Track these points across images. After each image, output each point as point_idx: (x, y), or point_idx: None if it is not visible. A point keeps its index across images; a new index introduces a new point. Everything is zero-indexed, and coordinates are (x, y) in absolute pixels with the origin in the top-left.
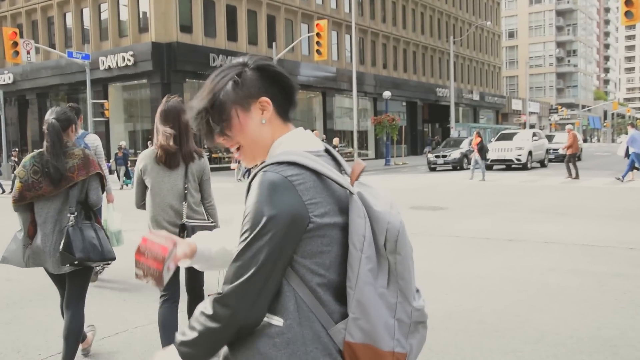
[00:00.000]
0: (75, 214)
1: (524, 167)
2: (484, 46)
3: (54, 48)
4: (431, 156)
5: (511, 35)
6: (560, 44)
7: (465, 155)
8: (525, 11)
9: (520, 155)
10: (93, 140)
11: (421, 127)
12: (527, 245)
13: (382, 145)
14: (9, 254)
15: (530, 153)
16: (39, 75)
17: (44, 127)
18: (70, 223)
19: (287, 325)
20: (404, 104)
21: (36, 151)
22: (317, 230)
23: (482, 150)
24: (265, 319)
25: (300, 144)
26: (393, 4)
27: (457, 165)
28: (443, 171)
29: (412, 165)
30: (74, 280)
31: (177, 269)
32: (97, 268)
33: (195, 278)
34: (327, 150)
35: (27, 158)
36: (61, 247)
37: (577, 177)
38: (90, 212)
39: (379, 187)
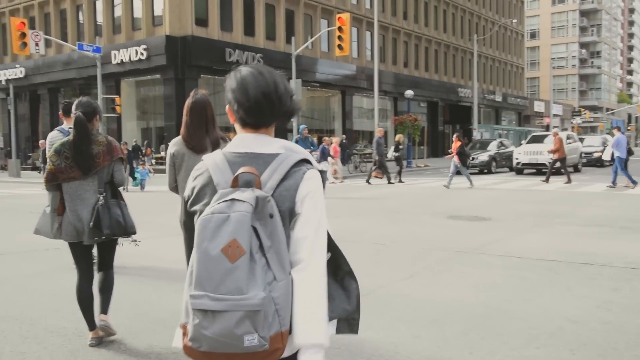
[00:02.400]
0: (104, 194)
1: (557, 172)
2: (507, 45)
3: (66, 42)
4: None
5: (533, 35)
6: (583, 45)
7: (494, 158)
8: (548, 11)
9: (552, 159)
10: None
11: (442, 128)
12: (612, 271)
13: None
14: (40, 226)
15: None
16: (51, 69)
17: (72, 119)
18: (100, 202)
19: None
20: (424, 104)
21: (66, 139)
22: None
23: (462, 155)
24: None
25: (232, 144)
26: (415, 1)
27: (485, 168)
28: (470, 174)
29: (435, 167)
30: (103, 249)
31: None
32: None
33: (106, 253)
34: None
35: (57, 144)
36: (91, 224)
37: (546, 181)
38: (116, 191)
39: (241, 192)
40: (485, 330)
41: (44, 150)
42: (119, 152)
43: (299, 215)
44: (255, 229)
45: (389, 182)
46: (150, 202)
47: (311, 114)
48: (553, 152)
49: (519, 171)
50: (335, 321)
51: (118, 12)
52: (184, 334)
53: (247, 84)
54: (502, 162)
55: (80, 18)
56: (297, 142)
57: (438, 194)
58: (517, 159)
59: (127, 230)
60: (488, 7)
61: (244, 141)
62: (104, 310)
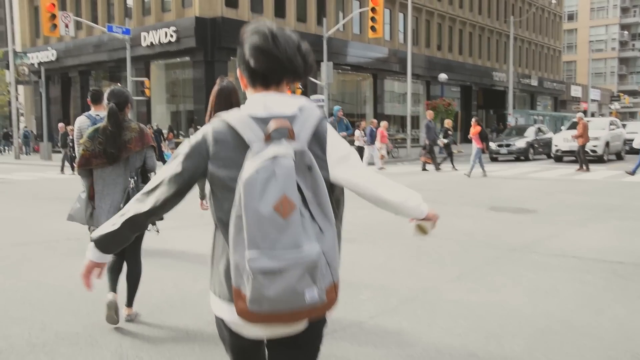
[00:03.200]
0: (135, 178)
1: (599, 160)
2: (544, 28)
3: (97, 24)
4: (493, 145)
5: (570, 17)
6: (624, 27)
7: (532, 145)
8: None
9: (596, 146)
10: None
11: (475, 113)
12: None
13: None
14: (74, 212)
15: (607, 144)
16: (82, 52)
17: (106, 110)
18: (131, 186)
19: None
20: (457, 88)
21: (99, 125)
22: None
23: (485, 140)
24: None
25: (250, 105)
26: None
27: (522, 156)
28: (506, 162)
29: (468, 153)
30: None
31: None
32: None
33: (134, 242)
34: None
35: (90, 130)
36: (122, 206)
37: (587, 169)
38: (146, 177)
39: (277, 146)
40: (553, 350)
41: (64, 134)
42: (151, 140)
43: (336, 159)
44: (297, 183)
45: (437, 169)
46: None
47: (342, 97)
48: (577, 137)
49: (558, 159)
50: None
51: None
52: (239, 297)
53: (261, 33)
54: (540, 149)
55: (111, 0)
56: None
57: (475, 183)
58: (556, 145)
59: None
60: None
61: (262, 102)
62: (130, 302)
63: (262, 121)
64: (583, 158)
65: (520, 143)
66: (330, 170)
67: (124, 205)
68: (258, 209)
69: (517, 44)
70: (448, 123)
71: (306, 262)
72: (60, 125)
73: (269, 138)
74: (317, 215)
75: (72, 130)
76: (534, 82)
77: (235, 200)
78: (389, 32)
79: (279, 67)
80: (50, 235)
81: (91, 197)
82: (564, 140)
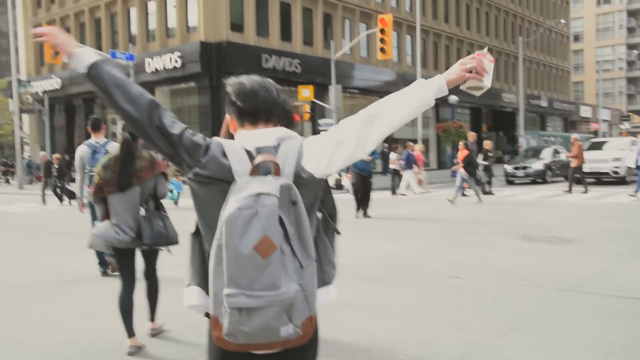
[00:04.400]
0: (146, 206)
1: (621, 182)
2: (552, 48)
3: (101, 50)
4: (509, 168)
5: (576, 38)
6: (631, 47)
7: (549, 167)
8: (593, 12)
9: (618, 167)
10: (114, 148)
11: (485, 135)
12: None
13: (444, 154)
14: (94, 242)
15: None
16: (86, 80)
17: (118, 139)
18: (141, 214)
19: None
20: (466, 110)
21: (112, 154)
22: None
23: (472, 165)
24: None
25: (238, 139)
26: (457, 3)
27: (540, 178)
28: (522, 184)
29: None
30: (147, 257)
31: (133, 256)
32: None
33: (150, 261)
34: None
35: (104, 159)
36: (134, 234)
37: (570, 191)
38: (158, 203)
39: (260, 181)
40: None
41: (47, 163)
42: (162, 167)
43: (324, 162)
44: (279, 218)
45: (484, 192)
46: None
47: None
48: (572, 157)
49: (578, 181)
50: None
51: (152, 19)
52: (216, 325)
53: (244, 81)
54: (557, 172)
55: (115, 27)
56: None
57: (495, 209)
58: None
59: (170, 240)
60: (532, 8)
61: (246, 137)
62: (152, 317)
63: (250, 154)
64: (573, 179)
65: (537, 165)
66: (331, 171)
67: (135, 233)
68: (238, 248)
69: (525, 64)
70: (488, 144)
71: (283, 302)
72: (43, 154)
73: (254, 172)
74: (297, 251)
75: (58, 159)
76: (544, 103)
77: (217, 233)
78: (396, 55)
79: (265, 106)
80: (39, 277)
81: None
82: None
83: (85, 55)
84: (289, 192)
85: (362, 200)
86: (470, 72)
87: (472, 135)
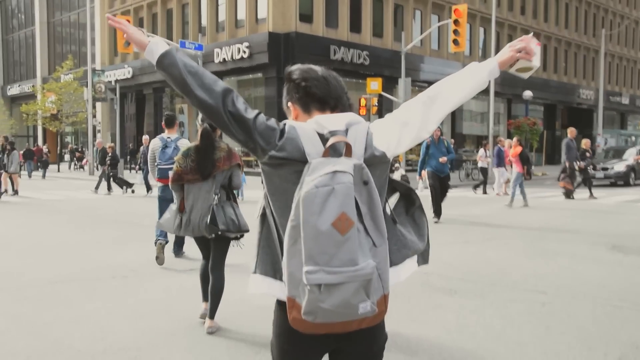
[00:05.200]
0: (219, 195)
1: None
2: (637, 42)
3: (171, 41)
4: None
5: None
6: None
7: (633, 169)
8: None
9: None
10: (184, 144)
11: (560, 133)
12: None
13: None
14: (164, 221)
15: None
16: (159, 69)
17: (199, 130)
18: (215, 202)
19: None
20: (540, 107)
21: (192, 144)
22: None
23: (526, 162)
24: None
25: (309, 123)
26: None
27: (622, 180)
28: (600, 186)
29: (554, 176)
30: (216, 247)
31: (208, 241)
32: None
33: (219, 252)
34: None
35: (184, 149)
36: (208, 220)
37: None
38: (230, 193)
39: (336, 161)
40: None
41: (102, 150)
42: (238, 159)
43: (394, 142)
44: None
45: (568, 197)
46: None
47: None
48: None
49: None
50: (415, 257)
51: (222, 10)
52: (293, 306)
53: (313, 67)
54: None
55: (186, 18)
56: (427, 147)
57: (577, 213)
58: None
59: (241, 227)
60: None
61: (317, 121)
62: (212, 315)
63: (322, 137)
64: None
65: (619, 166)
66: (400, 151)
67: (210, 219)
68: (317, 225)
69: (606, 59)
70: (586, 144)
71: (361, 277)
72: (98, 141)
73: (327, 153)
74: (371, 230)
75: (111, 148)
76: (625, 100)
77: (292, 211)
78: (468, 48)
79: (334, 93)
80: (95, 270)
81: (181, 209)
82: None
83: (157, 45)
84: (360, 171)
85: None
86: (520, 52)
87: (571, 132)
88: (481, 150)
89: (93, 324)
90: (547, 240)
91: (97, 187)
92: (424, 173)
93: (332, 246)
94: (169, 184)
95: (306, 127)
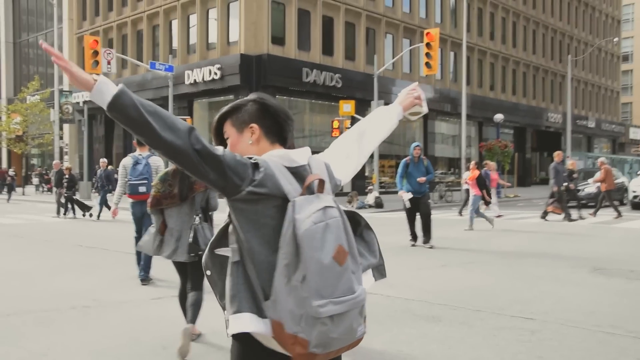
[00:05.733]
0: (200, 215)
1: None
2: (600, 68)
3: (142, 62)
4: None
5: (625, 58)
6: None
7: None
8: None
9: None
10: (155, 162)
11: (529, 155)
12: None
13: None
14: (143, 243)
15: None
16: (111, 112)
17: None
18: (196, 222)
19: None
20: (510, 130)
21: (169, 168)
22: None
23: (483, 186)
24: None
25: (275, 157)
26: (503, 20)
27: (593, 202)
28: (573, 208)
29: (526, 198)
30: (195, 269)
31: (185, 266)
32: None
33: (199, 273)
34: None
35: (162, 173)
36: (190, 239)
37: (594, 214)
38: (207, 216)
39: (319, 199)
40: None
41: (58, 172)
42: None
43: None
44: None
45: (569, 220)
46: None
47: (390, 138)
48: (600, 181)
49: (636, 206)
50: (369, 271)
51: (193, 32)
52: (295, 342)
53: (277, 104)
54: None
55: (157, 39)
56: (406, 166)
57: (552, 236)
58: (634, 192)
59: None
60: (581, 27)
61: (288, 156)
62: (193, 320)
63: (291, 172)
64: (610, 202)
65: (590, 188)
66: (347, 181)
67: (192, 239)
68: (320, 260)
69: (573, 84)
70: (572, 164)
71: (360, 303)
72: (55, 162)
73: (305, 191)
74: (354, 257)
75: (68, 169)
76: (591, 124)
77: (283, 250)
78: (440, 72)
79: (290, 127)
80: (54, 299)
81: (161, 232)
82: None
83: (107, 85)
84: (336, 204)
85: (424, 227)
86: (417, 99)
87: (558, 155)
88: (467, 173)
89: None
90: (526, 264)
91: (58, 212)
92: (403, 192)
93: (334, 278)
94: (148, 209)
95: (276, 162)
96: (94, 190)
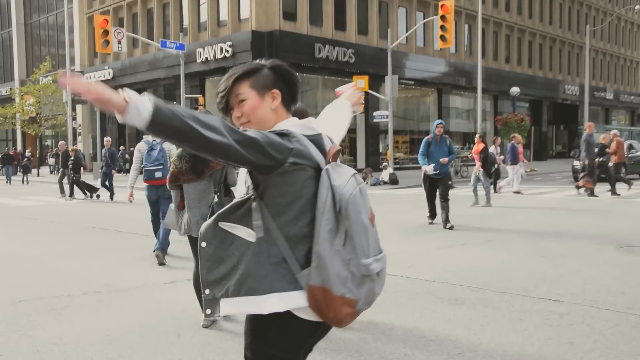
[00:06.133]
0: (218, 193)
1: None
2: (620, 38)
3: (153, 40)
4: (578, 164)
5: None
6: None
7: (624, 163)
8: None
9: None
10: (168, 147)
11: (545, 129)
12: None
13: (501, 148)
14: (169, 220)
15: None
16: (137, 70)
17: None
18: (215, 200)
19: None
20: (526, 103)
21: None
22: None
23: (487, 162)
24: None
25: (295, 126)
26: None
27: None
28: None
29: (543, 172)
30: None
31: None
32: None
33: None
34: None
35: (178, 151)
36: (209, 218)
37: (614, 192)
38: (229, 190)
39: (344, 166)
40: None
41: (64, 153)
42: None
43: None
44: None
45: (590, 194)
46: None
47: (404, 113)
48: (611, 154)
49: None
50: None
51: (204, 9)
52: (344, 303)
53: (293, 72)
54: (632, 168)
55: (167, 17)
56: (428, 144)
57: (572, 211)
58: None
59: None
60: None
61: (308, 124)
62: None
63: (310, 140)
64: (613, 179)
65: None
66: None
67: (210, 217)
68: (364, 222)
69: (591, 55)
70: (604, 138)
71: (386, 260)
72: (61, 143)
73: (328, 159)
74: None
75: (74, 150)
76: (609, 96)
77: (326, 215)
78: (454, 45)
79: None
80: (65, 285)
81: (180, 208)
82: None
83: (142, 101)
84: None
85: (443, 209)
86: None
87: (589, 127)
88: (492, 147)
89: (58, 353)
90: (548, 240)
91: (62, 192)
92: (426, 166)
93: (372, 238)
94: (167, 184)
95: (299, 133)
96: (100, 170)
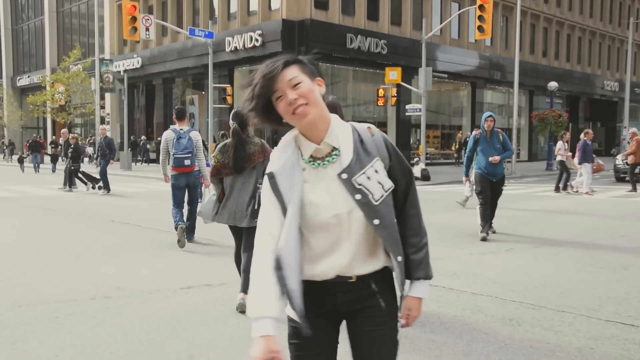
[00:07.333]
0: (260, 185)
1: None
2: None
3: (181, 29)
4: (621, 162)
5: None
6: None
7: None
8: None
9: None
10: (195, 136)
11: (582, 125)
12: None
13: (535, 145)
14: (203, 209)
15: None
16: (166, 58)
17: (231, 129)
18: (259, 191)
19: None
20: (561, 99)
21: (227, 141)
22: None
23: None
24: None
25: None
26: None
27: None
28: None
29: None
30: (250, 233)
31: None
32: None
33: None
34: None
35: (221, 145)
36: (256, 206)
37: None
38: None
39: None
40: None
41: (66, 142)
42: (270, 152)
43: None
44: None
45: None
46: None
47: (436, 107)
48: (628, 155)
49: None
50: None
51: None
52: None
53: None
54: None
55: (197, 5)
56: (476, 142)
57: (620, 215)
58: None
59: None
60: None
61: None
62: (245, 290)
63: None
64: (633, 178)
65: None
66: None
67: (258, 206)
68: None
69: (632, 49)
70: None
71: None
72: (63, 131)
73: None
74: None
75: (74, 139)
76: None
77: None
78: (489, 37)
79: None
80: (73, 287)
81: (220, 199)
82: None
83: (264, 319)
84: None
85: (490, 215)
86: None
87: (587, 134)
88: (559, 143)
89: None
90: (602, 248)
91: (65, 183)
92: (471, 175)
93: None
94: (210, 177)
95: None
96: (95, 160)
